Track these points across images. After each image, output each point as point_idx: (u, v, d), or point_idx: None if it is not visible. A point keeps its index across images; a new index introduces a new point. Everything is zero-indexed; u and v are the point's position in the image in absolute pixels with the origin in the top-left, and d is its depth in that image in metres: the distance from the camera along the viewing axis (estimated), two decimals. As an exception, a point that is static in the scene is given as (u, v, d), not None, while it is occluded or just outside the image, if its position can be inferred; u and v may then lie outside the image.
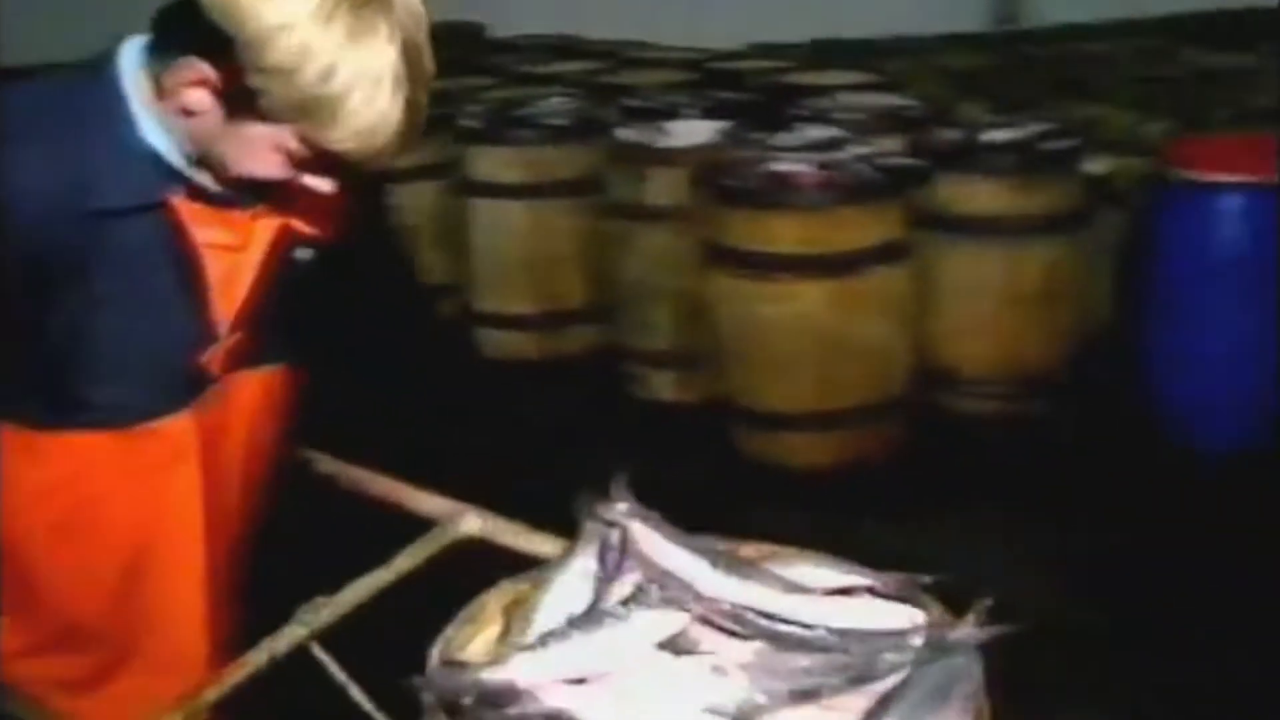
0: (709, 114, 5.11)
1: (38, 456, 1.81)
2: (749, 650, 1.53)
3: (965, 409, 4.60)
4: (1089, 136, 5.02)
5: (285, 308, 1.85)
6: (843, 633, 1.54)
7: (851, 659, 1.50)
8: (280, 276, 1.83)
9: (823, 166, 4.40)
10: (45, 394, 1.78)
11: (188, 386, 1.83)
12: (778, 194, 4.29)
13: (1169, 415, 4.43)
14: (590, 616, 1.57)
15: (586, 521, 1.68)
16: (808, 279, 4.23)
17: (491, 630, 1.66)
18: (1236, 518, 3.95)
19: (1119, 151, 5.16)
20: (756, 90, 5.67)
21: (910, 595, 1.60)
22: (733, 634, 1.55)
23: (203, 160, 1.71)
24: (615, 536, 1.65)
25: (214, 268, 1.78)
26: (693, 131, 4.90)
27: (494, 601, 1.69)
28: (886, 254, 4.29)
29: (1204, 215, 4.31)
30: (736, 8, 7.01)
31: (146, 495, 1.85)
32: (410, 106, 1.60)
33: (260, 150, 1.65)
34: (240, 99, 1.60)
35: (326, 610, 1.83)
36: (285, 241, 1.81)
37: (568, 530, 1.74)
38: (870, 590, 1.61)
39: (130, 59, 1.71)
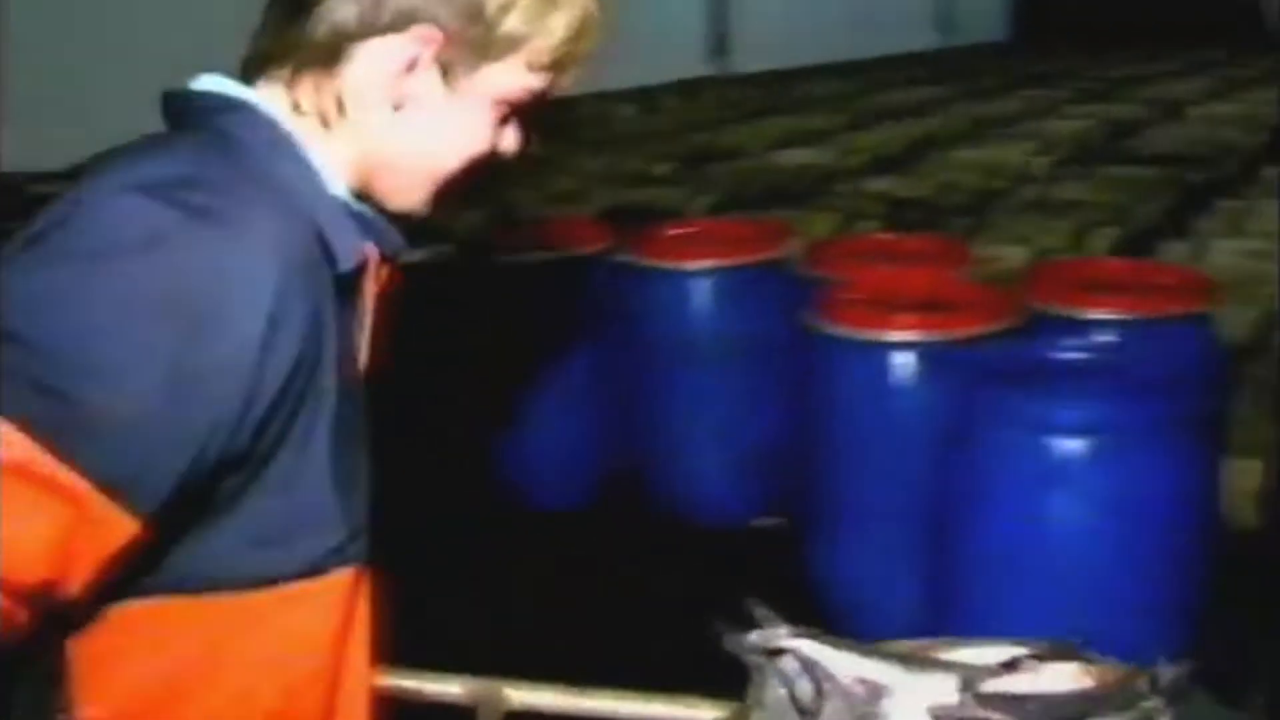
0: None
1: (255, 621, 1.36)
2: None
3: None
4: (417, 229, 5.19)
5: None
6: (1088, 697, 1.52)
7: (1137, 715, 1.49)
8: None
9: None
10: (260, 548, 1.34)
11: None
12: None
13: (501, 480, 4.62)
14: None
15: (747, 656, 1.54)
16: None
17: None
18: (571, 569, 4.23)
19: (434, 240, 5.39)
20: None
21: (1070, 654, 1.58)
22: None
23: (369, 185, 1.39)
24: (792, 663, 1.53)
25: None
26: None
27: None
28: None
29: (515, 293, 4.56)
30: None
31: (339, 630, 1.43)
32: None
33: (481, 112, 1.37)
34: (463, 52, 1.33)
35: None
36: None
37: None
38: (1034, 657, 1.57)
39: (240, 91, 1.35)
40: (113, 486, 1.18)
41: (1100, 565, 2.95)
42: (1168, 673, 1.52)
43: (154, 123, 1.38)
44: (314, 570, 1.37)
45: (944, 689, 1.49)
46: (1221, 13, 16.32)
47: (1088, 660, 1.59)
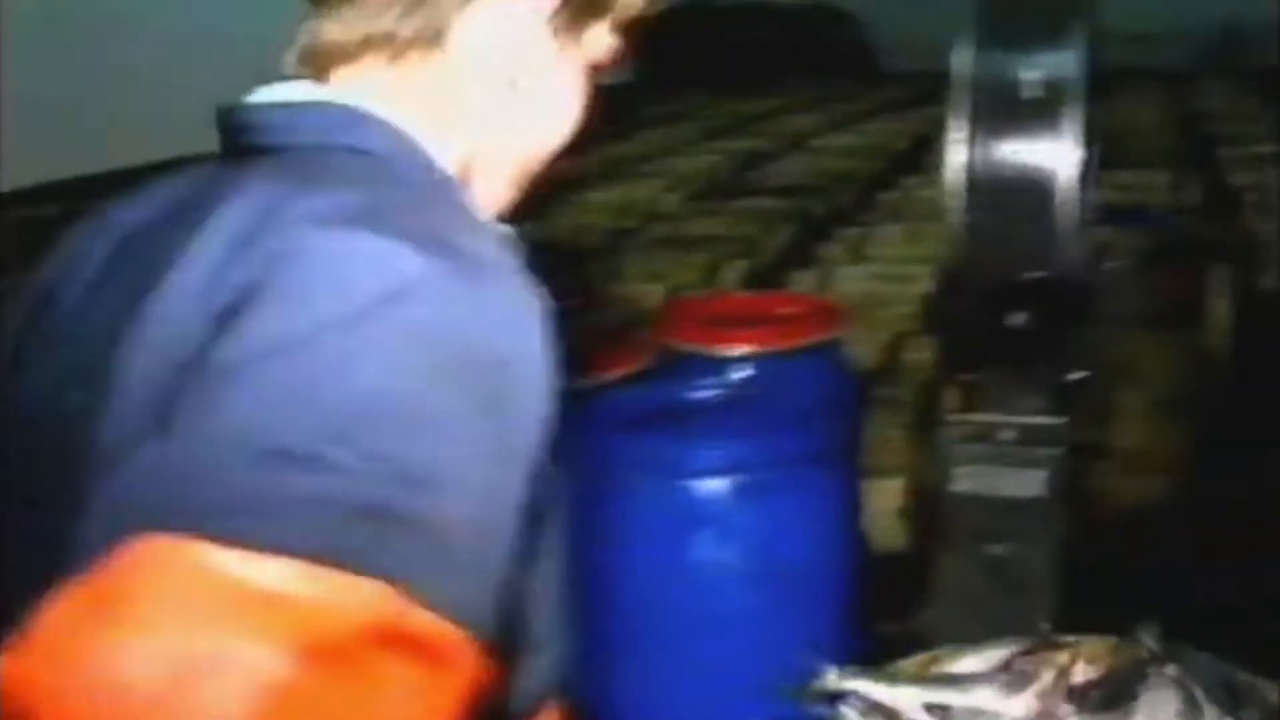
0: None
1: None
2: None
3: None
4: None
5: None
6: (1119, 678, 1.54)
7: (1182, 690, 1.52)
8: None
9: None
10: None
11: None
12: None
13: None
14: None
15: (811, 705, 1.56)
16: None
17: None
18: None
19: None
20: None
21: (1051, 644, 1.59)
22: None
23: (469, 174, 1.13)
24: (856, 704, 1.53)
25: None
26: None
27: None
28: None
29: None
30: None
31: None
32: None
33: (579, 84, 1.17)
34: (574, 11, 1.13)
35: None
36: None
37: None
38: (1023, 654, 1.59)
39: (341, 95, 1.07)
40: (456, 615, 0.85)
41: (749, 604, 2.90)
42: (1150, 638, 1.57)
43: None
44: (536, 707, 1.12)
45: (992, 699, 1.52)
46: (835, 52, 17.07)
47: (1066, 645, 1.59)
